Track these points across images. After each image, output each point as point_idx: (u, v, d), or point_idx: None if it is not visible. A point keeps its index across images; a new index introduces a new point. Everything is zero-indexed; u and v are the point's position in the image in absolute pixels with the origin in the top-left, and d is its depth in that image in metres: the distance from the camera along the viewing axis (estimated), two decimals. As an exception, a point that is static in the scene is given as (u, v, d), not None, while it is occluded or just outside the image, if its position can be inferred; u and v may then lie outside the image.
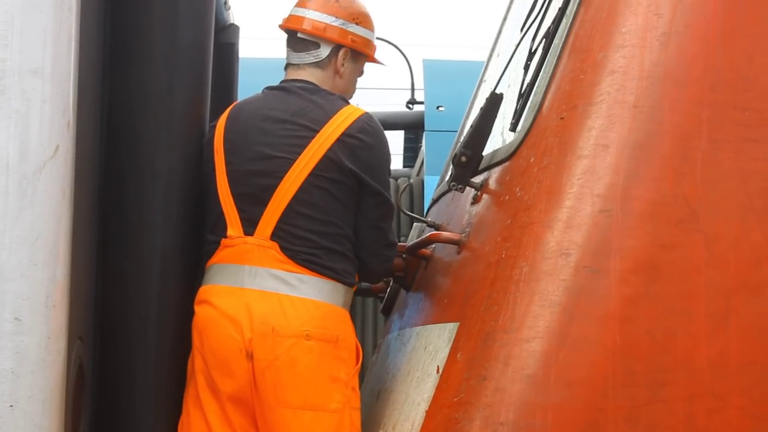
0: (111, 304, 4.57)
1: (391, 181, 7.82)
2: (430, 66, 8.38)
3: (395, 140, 8.85)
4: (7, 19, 3.95)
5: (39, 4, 3.96)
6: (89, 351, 4.41)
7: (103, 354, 4.52)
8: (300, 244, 4.40)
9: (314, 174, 4.40)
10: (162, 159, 4.56)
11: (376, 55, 4.85)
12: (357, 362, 4.47)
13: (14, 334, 3.79)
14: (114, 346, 4.54)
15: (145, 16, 4.61)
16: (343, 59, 4.66)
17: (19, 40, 3.89)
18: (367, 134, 4.50)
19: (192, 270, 4.66)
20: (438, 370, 4.00)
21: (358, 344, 4.51)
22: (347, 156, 4.43)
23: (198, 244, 4.69)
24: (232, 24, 5.66)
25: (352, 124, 4.48)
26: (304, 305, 4.37)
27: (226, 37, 5.51)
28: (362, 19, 4.74)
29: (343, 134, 4.45)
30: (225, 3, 5.27)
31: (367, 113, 4.65)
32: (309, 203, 4.43)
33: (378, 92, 8.83)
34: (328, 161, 4.41)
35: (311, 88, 4.59)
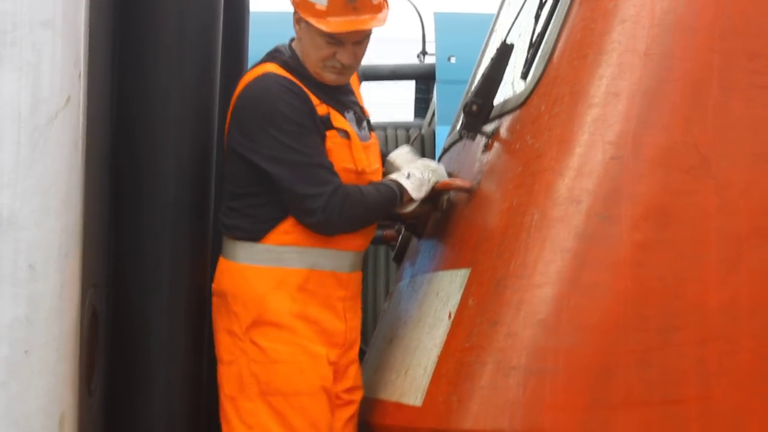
0: (124, 252, 4.57)
1: (402, 131, 7.85)
2: (441, 18, 8.45)
3: (407, 91, 8.90)
4: None
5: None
6: (103, 298, 4.43)
7: (117, 301, 4.52)
8: (222, 209, 4.57)
9: (227, 142, 4.46)
10: (174, 109, 4.54)
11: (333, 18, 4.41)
12: (259, 317, 4.41)
13: (28, 282, 3.81)
14: (128, 293, 4.56)
15: (177, 6, 4.61)
16: (297, 22, 4.47)
17: None
18: (245, 95, 4.42)
19: (205, 219, 4.68)
20: (450, 316, 4.02)
21: (280, 312, 4.42)
22: (232, 121, 4.43)
23: (209, 194, 4.68)
24: None
25: (242, 88, 4.44)
26: (219, 264, 4.55)
27: None
28: None
29: (235, 100, 4.45)
30: None
31: (263, 74, 4.50)
32: (227, 170, 4.50)
33: (389, 44, 8.84)
34: (229, 128, 4.45)
35: (269, 54, 4.56)
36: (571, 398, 3.67)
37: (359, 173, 4.43)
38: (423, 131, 8.08)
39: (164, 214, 4.61)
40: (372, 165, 4.52)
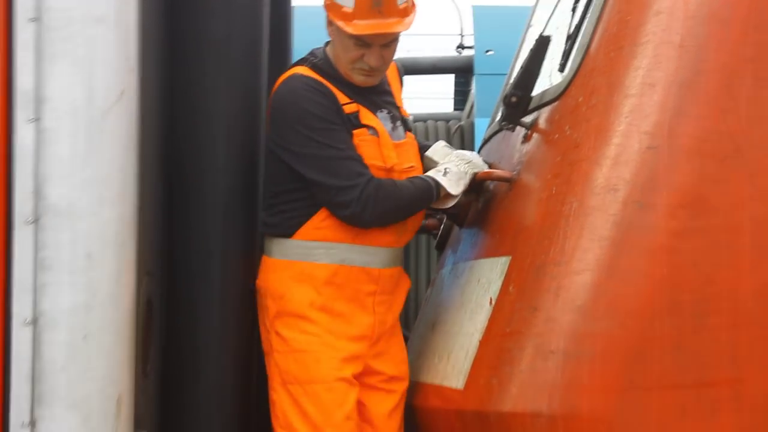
0: (177, 241, 4.58)
1: (442, 123, 7.83)
2: (479, 12, 8.41)
3: (446, 84, 8.85)
4: None
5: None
6: (157, 286, 4.44)
7: (169, 289, 4.53)
8: (263, 207, 4.62)
9: (266, 143, 4.51)
10: (222, 102, 4.56)
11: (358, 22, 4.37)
12: (284, 307, 4.43)
13: (86, 270, 3.86)
14: (180, 282, 4.57)
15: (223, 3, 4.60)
16: (328, 24, 4.44)
17: None
18: (275, 98, 4.43)
19: (253, 210, 4.69)
20: (491, 302, 4.03)
21: (295, 305, 4.43)
22: (268, 122, 4.46)
23: (257, 187, 4.69)
24: None
25: (274, 91, 4.45)
26: (261, 261, 4.59)
27: None
28: None
29: (269, 102, 4.46)
30: None
31: (291, 76, 4.50)
32: (266, 170, 4.58)
33: (429, 38, 8.80)
34: (267, 129, 4.49)
35: (301, 58, 4.55)
36: (608, 381, 3.66)
37: (388, 170, 4.42)
38: (462, 123, 8.05)
39: (214, 205, 4.61)
40: (403, 163, 4.49)
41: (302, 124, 4.33)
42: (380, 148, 4.42)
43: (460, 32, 8.81)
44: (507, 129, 4.57)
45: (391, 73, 4.69)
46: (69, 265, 3.84)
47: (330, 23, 4.39)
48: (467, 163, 4.47)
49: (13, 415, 3.84)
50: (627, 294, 3.71)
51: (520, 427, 3.77)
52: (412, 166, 4.52)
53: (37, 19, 3.84)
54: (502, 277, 4.05)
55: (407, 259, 6.01)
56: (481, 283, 4.23)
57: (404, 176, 4.46)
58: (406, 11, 4.34)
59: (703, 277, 3.70)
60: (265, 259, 4.51)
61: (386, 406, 4.50)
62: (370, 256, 4.44)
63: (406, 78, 8.30)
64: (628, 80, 3.91)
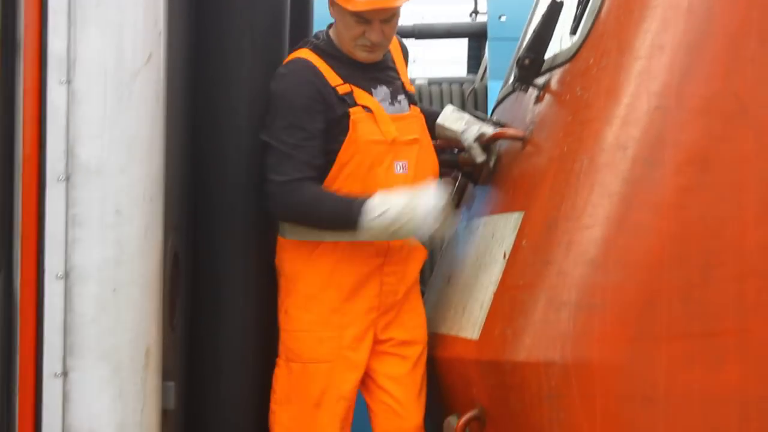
0: (201, 196, 4.56)
1: (456, 86, 7.80)
2: None
3: (460, 49, 8.79)
4: None
5: None
6: (184, 241, 4.43)
7: (194, 244, 4.56)
8: None
9: None
10: (245, 67, 4.55)
11: None
12: (297, 288, 4.43)
13: (115, 226, 3.89)
14: (204, 236, 4.57)
15: None
16: (331, 5, 4.43)
17: None
18: (272, 79, 4.45)
19: None
20: (504, 256, 4.03)
21: (304, 283, 4.43)
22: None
23: None
24: None
25: (276, 72, 4.46)
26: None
27: None
28: None
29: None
30: None
31: (290, 60, 4.50)
32: None
33: (444, 5, 8.77)
34: None
35: (303, 40, 4.56)
36: (618, 331, 3.68)
37: (391, 143, 4.38)
38: (476, 86, 8.01)
39: (237, 162, 4.57)
40: (405, 135, 4.44)
41: (275, 107, 4.39)
42: (377, 124, 4.40)
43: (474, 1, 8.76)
44: (520, 90, 4.55)
45: (395, 50, 4.66)
46: (99, 221, 3.86)
47: (332, 3, 4.38)
48: (478, 123, 4.46)
49: (46, 365, 3.85)
50: (636, 247, 3.71)
51: (533, 376, 3.76)
52: (415, 138, 4.48)
53: None
54: (516, 232, 4.03)
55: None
56: (495, 238, 4.20)
57: (406, 150, 4.44)
58: None
59: (710, 231, 3.70)
60: (279, 239, 4.51)
61: (398, 371, 4.48)
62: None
63: (422, 42, 8.29)
64: (637, 43, 3.90)
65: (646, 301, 3.69)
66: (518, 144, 4.37)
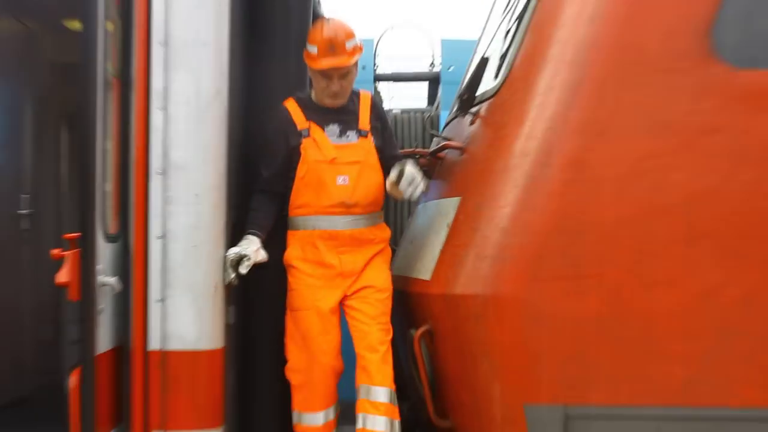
0: (250, 185, 4.36)
1: (419, 114, 7.74)
2: (445, 43, 8.24)
3: (422, 89, 8.70)
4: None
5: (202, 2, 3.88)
6: (240, 216, 4.26)
7: (244, 218, 4.32)
8: None
9: None
10: (276, 101, 4.38)
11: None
12: (290, 263, 4.26)
13: (195, 204, 3.88)
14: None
15: (282, 13, 4.44)
16: (309, 69, 4.25)
17: (195, 22, 3.87)
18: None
19: None
20: (448, 226, 4.03)
21: (289, 258, 4.25)
22: None
23: None
24: (322, 16, 5.24)
25: None
26: None
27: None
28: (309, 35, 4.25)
29: None
30: (318, 3, 5.04)
31: (280, 105, 4.27)
32: None
33: (411, 60, 8.68)
34: None
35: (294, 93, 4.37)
36: (519, 275, 3.70)
37: (331, 162, 4.20)
38: (432, 114, 7.98)
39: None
40: (347, 158, 4.22)
41: (262, 144, 4.30)
42: (320, 149, 4.20)
43: (431, 56, 8.63)
44: (461, 116, 4.51)
45: (364, 101, 4.36)
46: (184, 200, 3.87)
47: (308, 65, 4.22)
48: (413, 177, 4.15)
49: (151, 294, 3.88)
50: (533, 221, 3.73)
51: (464, 303, 3.79)
52: (357, 160, 4.25)
53: (165, 43, 3.84)
54: (455, 210, 4.03)
55: (397, 203, 5.72)
56: (442, 214, 4.19)
57: (347, 167, 4.22)
58: (354, 52, 4.18)
59: (581, 209, 3.71)
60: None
61: (362, 305, 4.24)
62: (332, 222, 4.24)
63: (395, 85, 8.20)
64: (536, 85, 3.87)
65: (538, 255, 3.70)
66: (457, 152, 4.33)
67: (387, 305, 4.26)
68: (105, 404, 3.79)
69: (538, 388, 3.68)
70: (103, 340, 3.78)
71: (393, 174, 4.14)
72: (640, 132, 3.69)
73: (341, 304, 4.29)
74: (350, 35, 4.20)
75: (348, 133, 4.28)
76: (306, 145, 4.22)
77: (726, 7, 3.69)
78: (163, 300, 3.86)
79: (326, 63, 4.16)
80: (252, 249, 4.09)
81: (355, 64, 4.24)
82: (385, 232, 4.41)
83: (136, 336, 3.87)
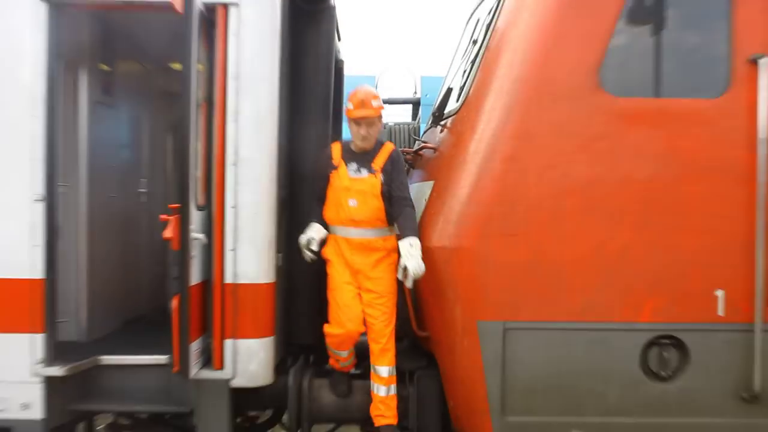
0: (294, 174, 4.42)
1: (406, 126, 8.08)
2: (424, 79, 8.37)
3: (408, 109, 9.01)
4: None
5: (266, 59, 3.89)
6: (287, 194, 4.27)
7: (291, 195, 4.37)
8: None
9: None
10: (312, 123, 4.46)
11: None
12: (329, 260, 4.22)
13: (256, 184, 3.98)
14: (296, 191, 4.43)
15: (314, 58, 4.47)
16: (348, 120, 4.24)
17: (257, 65, 3.87)
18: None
19: None
20: (425, 201, 4.15)
21: (325, 253, 4.21)
22: None
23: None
24: (341, 60, 5.42)
25: None
26: None
27: (339, 65, 5.26)
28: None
29: None
30: (338, 51, 5.05)
31: (331, 144, 4.25)
32: None
33: (400, 92, 8.95)
34: None
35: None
36: (474, 233, 3.81)
37: (345, 189, 4.20)
38: (415, 125, 8.23)
39: (306, 162, 4.42)
40: (357, 186, 4.19)
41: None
42: (340, 179, 4.20)
43: (414, 87, 8.87)
44: (434, 126, 4.55)
45: (384, 152, 4.28)
46: (248, 182, 3.99)
47: (348, 119, 4.23)
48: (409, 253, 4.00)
49: (227, 245, 3.96)
50: (483, 197, 3.83)
51: (438, 253, 3.86)
52: (363, 189, 4.20)
53: (236, 78, 3.97)
54: (431, 190, 4.10)
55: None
56: (421, 192, 4.27)
57: (357, 194, 4.19)
58: (378, 109, 4.24)
59: (515, 189, 3.82)
60: None
61: (369, 309, 4.18)
62: (345, 231, 4.24)
63: (391, 107, 8.53)
64: (485, 106, 3.92)
65: (486, 218, 3.82)
66: (432, 151, 4.39)
67: (388, 306, 4.20)
68: (195, 320, 3.93)
69: (486, 310, 3.83)
70: (194, 276, 3.92)
71: (399, 272, 4.05)
72: (553, 138, 3.85)
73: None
74: (375, 97, 4.26)
75: (361, 170, 4.26)
76: (334, 175, 4.27)
77: (608, 56, 3.88)
78: (234, 249, 3.99)
79: (357, 113, 4.20)
80: (314, 231, 4.20)
81: (379, 117, 4.26)
82: (391, 243, 4.28)
83: (216, 273, 4.01)
